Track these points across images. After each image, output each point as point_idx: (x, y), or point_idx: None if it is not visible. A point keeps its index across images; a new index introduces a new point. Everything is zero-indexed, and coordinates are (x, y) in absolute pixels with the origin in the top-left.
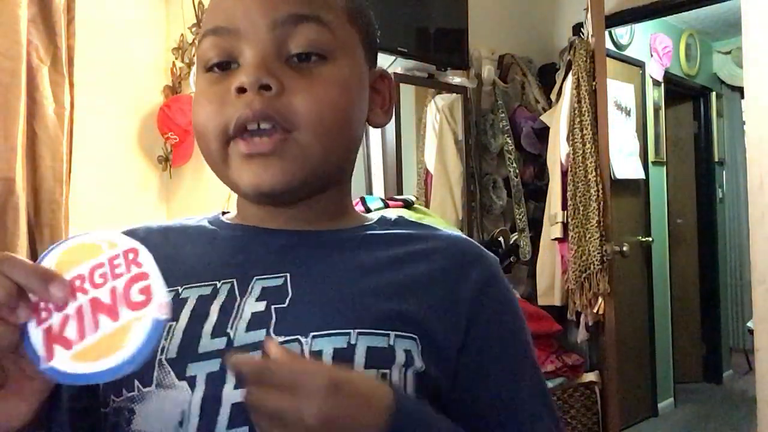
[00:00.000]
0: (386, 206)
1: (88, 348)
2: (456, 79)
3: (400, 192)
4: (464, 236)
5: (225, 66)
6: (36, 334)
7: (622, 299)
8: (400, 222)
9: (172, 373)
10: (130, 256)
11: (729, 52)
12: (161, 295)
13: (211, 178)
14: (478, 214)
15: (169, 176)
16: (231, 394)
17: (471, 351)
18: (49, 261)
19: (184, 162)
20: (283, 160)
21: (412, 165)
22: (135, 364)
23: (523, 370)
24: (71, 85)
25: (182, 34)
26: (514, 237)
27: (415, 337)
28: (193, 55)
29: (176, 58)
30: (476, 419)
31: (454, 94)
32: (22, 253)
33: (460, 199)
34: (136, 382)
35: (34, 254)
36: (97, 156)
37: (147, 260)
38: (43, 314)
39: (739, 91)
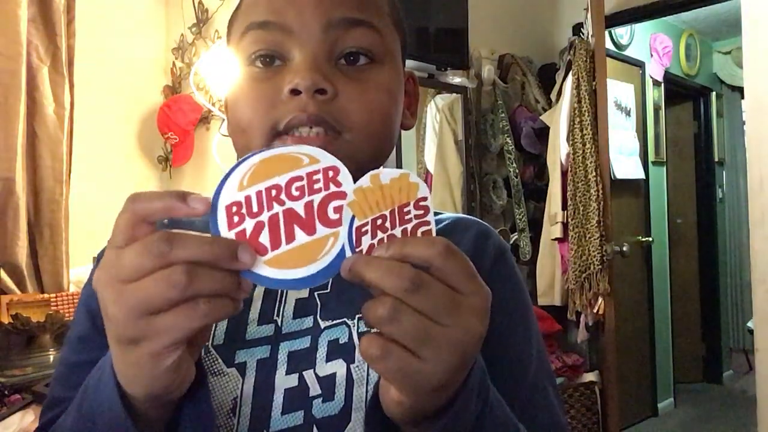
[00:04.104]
0: None
1: (282, 255)
2: (456, 79)
3: None
4: (468, 215)
5: (269, 60)
6: (228, 237)
7: (622, 299)
8: None
9: (220, 360)
10: (330, 173)
11: (729, 52)
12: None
13: (211, 177)
14: (478, 214)
15: (169, 176)
16: (283, 380)
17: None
18: (245, 168)
19: (183, 162)
20: None
21: (412, 165)
22: (327, 276)
23: (532, 336)
24: (71, 85)
25: (182, 34)
26: (514, 237)
27: None
28: (194, 55)
29: (176, 58)
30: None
31: (454, 94)
32: (21, 253)
33: (460, 199)
34: None
35: (34, 254)
36: (97, 156)
37: (346, 180)
38: (236, 219)
39: (739, 91)
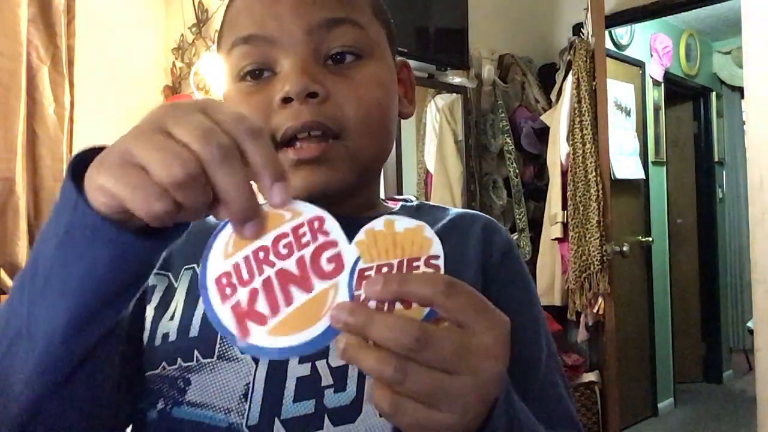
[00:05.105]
0: None
1: (283, 321)
2: (456, 79)
3: (400, 192)
4: (472, 210)
5: (258, 73)
6: (224, 312)
7: (622, 299)
8: (423, 207)
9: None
10: (316, 224)
11: (729, 52)
12: (352, 262)
13: None
14: None
15: None
16: (296, 369)
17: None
18: (226, 234)
19: None
20: (332, 164)
21: (412, 165)
22: (335, 332)
23: (541, 330)
24: (71, 85)
25: (182, 34)
26: (514, 237)
27: None
28: (194, 55)
29: (176, 58)
30: None
31: (454, 94)
32: (22, 253)
33: (460, 199)
34: (196, 353)
35: None
36: None
37: (334, 228)
38: (227, 290)
39: (739, 91)
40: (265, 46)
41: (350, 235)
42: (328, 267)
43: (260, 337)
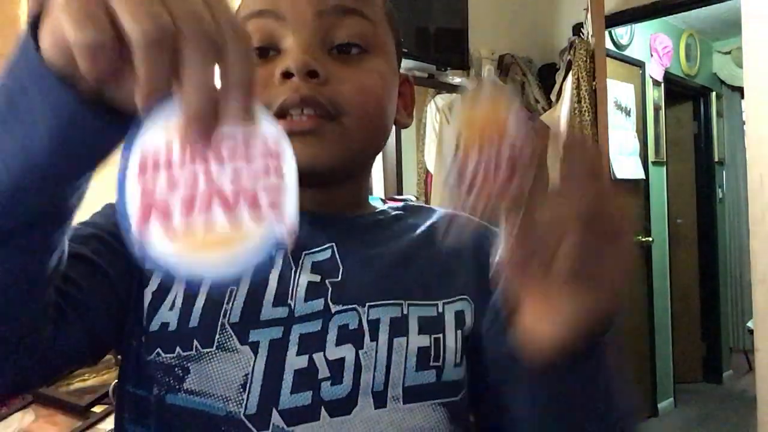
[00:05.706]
0: None
1: (192, 234)
2: (456, 79)
3: (400, 192)
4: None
5: (264, 52)
6: (134, 188)
7: (622, 299)
8: (408, 207)
9: (234, 337)
10: (272, 148)
11: (729, 52)
12: (292, 215)
13: None
14: None
15: None
16: (294, 361)
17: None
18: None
19: None
20: (323, 140)
21: (412, 165)
22: (235, 275)
23: None
24: None
25: None
26: None
27: (465, 298)
28: None
29: None
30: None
31: (454, 94)
32: None
33: None
34: (195, 342)
35: None
36: None
37: (290, 169)
38: (150, 164)
39: (739, 91)
40: (274, 21)
41: (340, 233)
42: (266, 207)
43: (156, 236)
